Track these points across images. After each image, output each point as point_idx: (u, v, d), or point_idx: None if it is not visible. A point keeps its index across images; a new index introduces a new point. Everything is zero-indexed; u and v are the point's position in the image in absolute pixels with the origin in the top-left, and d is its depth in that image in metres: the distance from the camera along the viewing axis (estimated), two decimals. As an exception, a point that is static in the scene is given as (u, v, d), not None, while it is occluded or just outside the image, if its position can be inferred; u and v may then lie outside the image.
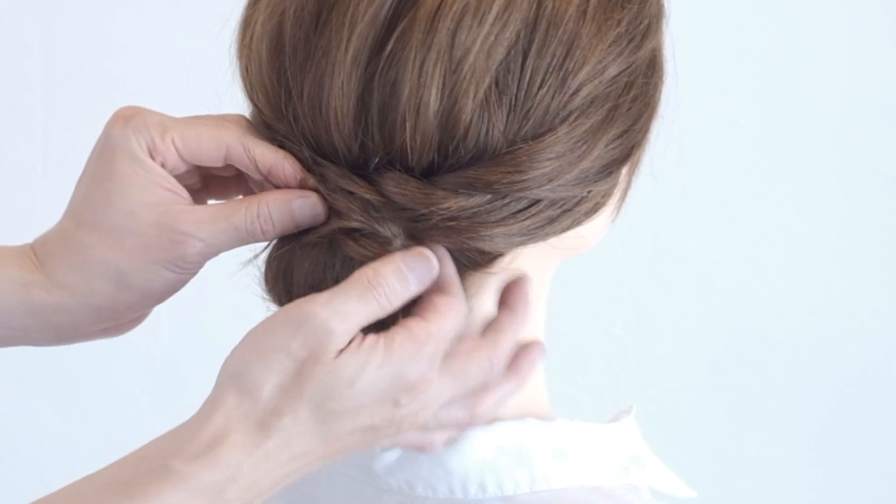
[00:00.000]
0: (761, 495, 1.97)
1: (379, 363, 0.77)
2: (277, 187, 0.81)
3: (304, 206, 0.80)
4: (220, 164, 0.82)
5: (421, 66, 0.76)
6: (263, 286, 0.82)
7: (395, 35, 0.76)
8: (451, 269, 0.81)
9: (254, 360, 0.77)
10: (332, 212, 0.80)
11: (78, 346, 2.05)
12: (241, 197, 0.84)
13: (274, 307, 0.82)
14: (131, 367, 1.93)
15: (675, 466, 0.92)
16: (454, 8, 0.76)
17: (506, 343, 0.82)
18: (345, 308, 0.77)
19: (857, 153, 1.87)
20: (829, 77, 1.86)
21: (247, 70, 0.82)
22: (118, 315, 0.85)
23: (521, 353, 0.84)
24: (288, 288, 0.81)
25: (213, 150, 0.81)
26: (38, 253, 0.84)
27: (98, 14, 1.86)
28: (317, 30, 0.78)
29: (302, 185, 0.80)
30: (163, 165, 0.81)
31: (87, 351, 1.94)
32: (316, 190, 0.80)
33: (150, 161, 0.81)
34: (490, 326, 0.82)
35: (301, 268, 0.80)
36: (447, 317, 0.79)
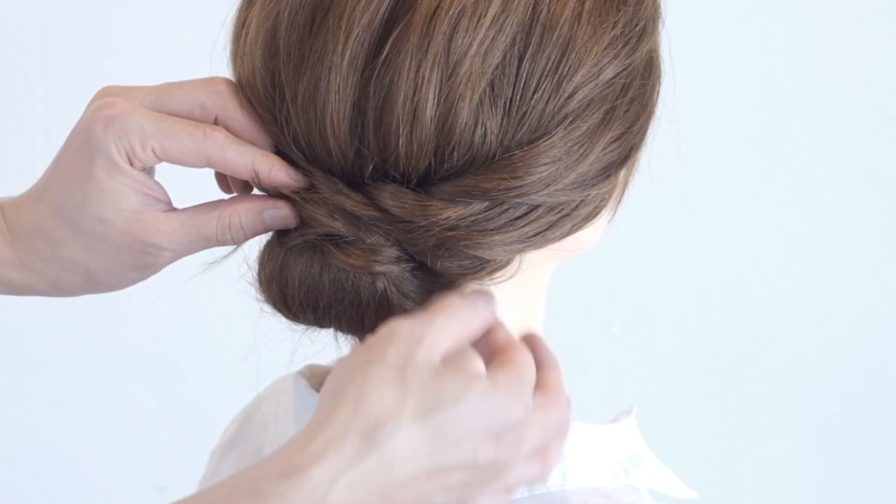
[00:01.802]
0: (761, 496, 1.97)
1: (484, 391, 0.75)
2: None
3: (275, 216, 0.81)
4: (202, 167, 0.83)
5: (417, 71, 0.76)
6: (258, 288, 0.82)
7: (391, 39, 0.76)
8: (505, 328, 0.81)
9: (350, 375, 0.75)
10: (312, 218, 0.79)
11: (77, 346, 2.04)
12: (211, 202, 0.83)
13: (269, 308, 0.82)
14: (132, 365, 1.93)
15: (674, 466, 0.92)
16: (450, 12, 0.76)
17: (564, 394, 0.80)
18: (427, 319, 0.76)
19: (856, 154, 1.87)
20: (827, 78, 1.86)
21: (240, 73, 0.82)
22: (85, 293, 0.87)
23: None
24: (282, 290, 0.81)
25: (194, 161, 0.81)
26: (10, 225, 0.85)
27: (98, 14, 1.86)
28: (312, 33, 0.78)
29: (290, 190, 0.80)
30: (143, 166, 0.81)
31: (88, 350, 1.95)
32: (302, 198, 0.79)
33: (127, 167, 0.81)
34: (546, 383, 0.80)
35: (294, 270, 0.80)
36: (528, 366, 0.78)
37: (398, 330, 0.75)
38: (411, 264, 0.79)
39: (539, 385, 0.80)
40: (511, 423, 0.75)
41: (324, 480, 0.72)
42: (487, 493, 0.77)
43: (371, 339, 0.76)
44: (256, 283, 0.82)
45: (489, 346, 0.79)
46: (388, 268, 0.79)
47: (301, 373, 0.93)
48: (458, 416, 0.74)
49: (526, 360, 0.78)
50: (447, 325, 0.76)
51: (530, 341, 0.82)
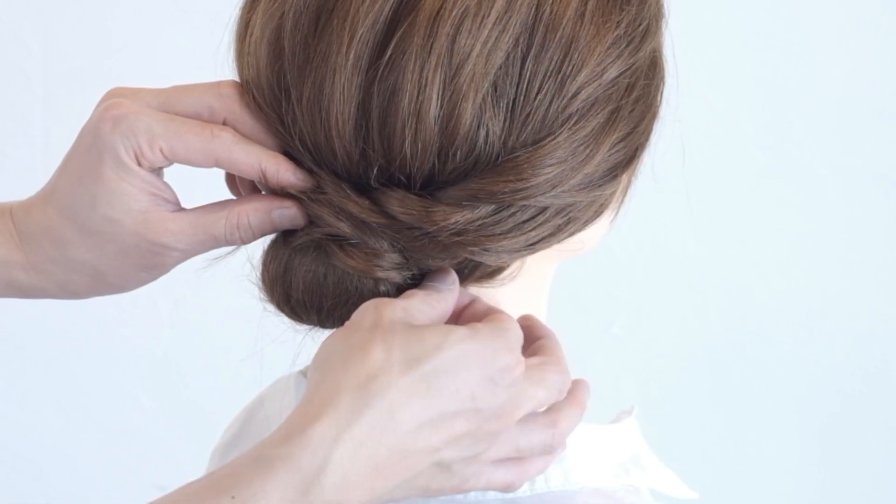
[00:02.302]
0: (761, 496, 1.97)
1: (464, 336, 0.77)
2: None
3: (284, 216, 0.81)
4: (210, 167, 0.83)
5: (421, 71, 0.76)
6: (261, 288, 0.82)
7: (394, 40, 0.76)
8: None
9: (334, 348, 0.77)
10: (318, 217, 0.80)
11: (78, 346, 2.04)
12: (219, 201, 0.83)
13: (272, 308, 0.82)
14: (132, 366, 1.93)
15: (674, 466, 0.92)
16: (454, 12, 0.76)
17: (562, 360, 0.81)
18: (395, 299, 0.78)
19: (858, 154, 1.87)
20: (830, 78, 1.86)
21: (245, 74, 0.82)
22: (95, 295, 0.87)
23: (578, 386, 0.83)
24: (286, 290, 0.81)
25: (201, 161, 0.81)
26: (19, 227, 0.85)
27: (98, 14, 1.86)
28: (316, 34, 0.78)
29: (297, 190, 0.80)
30: (151, 167, 0.81)
31: (88, 350, 1.95)
32: (308, 198, 0.80)
33: (135, 167, 0.81)
34: (543, 348, 0.82)
35: (299, 271, 0.80)
36: (510, 320, 0.80)
37: (369, 304, 0.78)
38: (411, 272, 0.80)
39: (536, 350, 0.81)
40: (503, 366, 0.77)
41: (325, 438, 0.73)
42: (495, 453, 0.78)
43: (348, 322, 0.78)
44: (260, 284, 0.82)
45: (472, 318, 0.81)
46: (389, 274, 0.79)
47: (303, 372, 0.93)
48: (446, 361, 0.76)
49: (507, 316, 0.80)
50: (413, 303, 0.78)
51: (528, 319, 0.84)
